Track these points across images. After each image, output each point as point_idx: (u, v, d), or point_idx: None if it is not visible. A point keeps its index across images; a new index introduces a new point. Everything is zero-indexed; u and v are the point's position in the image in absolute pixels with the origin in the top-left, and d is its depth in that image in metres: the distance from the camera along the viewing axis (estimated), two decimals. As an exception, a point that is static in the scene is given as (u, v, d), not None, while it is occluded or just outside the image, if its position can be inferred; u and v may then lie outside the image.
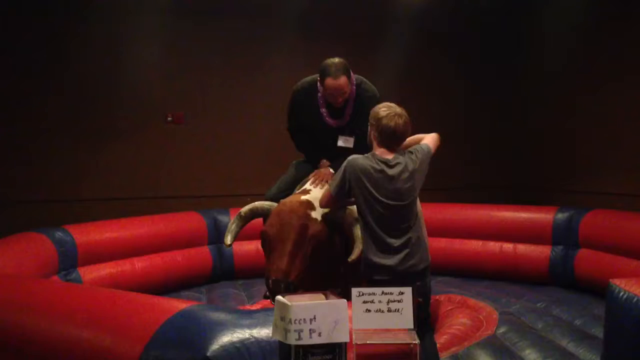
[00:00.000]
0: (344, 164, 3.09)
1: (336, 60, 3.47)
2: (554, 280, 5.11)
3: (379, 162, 3.02)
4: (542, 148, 6.73)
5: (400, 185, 3.00)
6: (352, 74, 3.53)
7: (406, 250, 2.99)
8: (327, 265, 3.19)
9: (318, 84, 3.57)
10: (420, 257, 3.05)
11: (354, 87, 3.54)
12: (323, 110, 3.60)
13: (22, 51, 5.76)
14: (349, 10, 6.55)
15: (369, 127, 3.15)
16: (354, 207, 3.23)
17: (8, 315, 2.69)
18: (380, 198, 2.98)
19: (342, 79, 3.43)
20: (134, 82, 6.09)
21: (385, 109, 3.08)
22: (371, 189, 2.99)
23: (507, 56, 6.94)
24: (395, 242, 2.99)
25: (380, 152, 3.08)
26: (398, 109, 3.09)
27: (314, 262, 3.10)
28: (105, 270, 4.80)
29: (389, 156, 3.05)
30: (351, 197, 3.09)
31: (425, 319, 3.20)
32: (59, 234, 4.57)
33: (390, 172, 3.00)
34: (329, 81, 3.43)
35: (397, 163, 3.03)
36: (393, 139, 3.06)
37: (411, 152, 3.11)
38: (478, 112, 7.08)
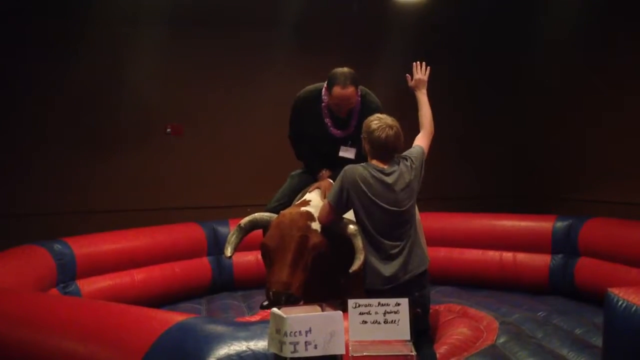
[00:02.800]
0: (341, 173, 3.12)
1: (345, 70, 3.46)
2: (554, 289, 5.09)
3: (376, 171, 3.06)
4: (540, 156, 6.73)
5: (397, 192, 3.04)
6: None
7: (404, 255, 3.03)
8: (327, 277, 3.18)
9: (322, 93, 3.56)
10: (420, 260, 3.10)
11: (359, 99, 3.53)
12: (327, 120, 3.59)
13: (22, 63, 5.77)
14: (348, 21, 6.57)
15: (362, 140, 3.19)
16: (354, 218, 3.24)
17: (6, 328, 2.69)
18: (379, 203, 3.02)
19: (350, 89, 3.43)
20: (132, 94, 6.09)
21: (377, 121, 3.13)
22: (369, 195, 3.02)
23: (506, 66, 6.95)
24: (394, 248, 3.04)
25: (374, 162, 3.11)
26: (389, 121, 3.13)
27: (314, 274, 3.10)
28: (104, 282, 4.78)
29: (384, 165, 3.08)
30: (349, 206, 3.11)
31: (425, 331, 3.20)
32: (57, 246, 4.55)
33: (387, 179, 3.04)
34: (337, 89, 3.42)
35: (393, 171, 3.07)
36: (384, 150, 3.11)
37: (405, 159, 3.15)
38: (476, 122, 7.08)
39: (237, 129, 6.42)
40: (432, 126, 3.42)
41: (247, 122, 6.43)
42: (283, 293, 2.96)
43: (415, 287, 3.04)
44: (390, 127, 3.09)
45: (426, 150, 3.30)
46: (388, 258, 3.03)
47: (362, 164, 3.15)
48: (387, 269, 3.01)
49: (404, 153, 3.22)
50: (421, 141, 3.33)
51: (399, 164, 3.11)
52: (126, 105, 6.10)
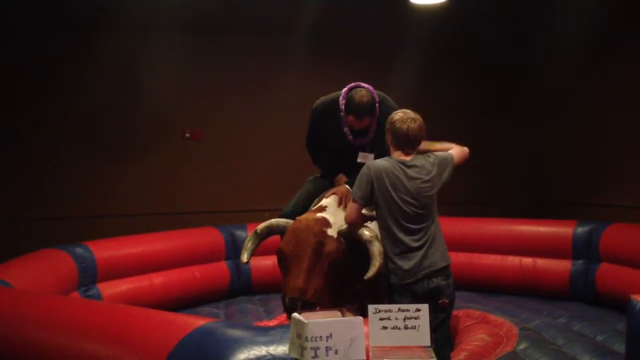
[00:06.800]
0: (363, 169, 3.16)
1: (365, 99, 3.45)
2: (575, 295, 5.04)
3: (397, 163, 3.11)
4: (560, 161, 6.67)
5: (417, 186, 3.07)
6: (375, 93, 3.54)
7: (424, 250, 3.06)
8: (343, 283, 3.18)
9: (340, 102, 3.56)
10: (440, 256, 3.11)
11: (377, 105, 3.54)
12: (346, 129, 3.60)
13: (40, 69, 5.86)
14: (362, 27, 6.58)
15: (386, 134, 3.24)
16: (371, 224, 3.24)
17: (28, 331, 2.72)
18: (401, 196, 3.06)
19: (365, 121, 3.50)
20: (152, 99, 6.16)
21: (400, 114, 3.19)
22: (390, 188, 3.07)
23: (524, 70, 6.91)
24: (413, 243, 3.06)
25: (396, 154, 3.16)
26: (412, 114, 3.19)
27: (330, 280, 3.10)
28: (124, 285, 4.84)
29: (406, 157, 3.14)
30: (373, 200, 3.13)
31: (447, 335, 3.18)
32: (79, 250, 4.62)
33: (408, 172, 3.08)
34: (352, 119, 3.50)
35: (414, 165, 3.11)
36: (406, 141, 3.15)
37: (429, 156, 3.17)
38: (495, 126, 7.04)
39: (255, 133, 6.46)
40: (465, 156, 3.36)
41: (266, 126, 6.46)
42: (299, 299, 2.96)
43: (439, 277, 3.07)
44: (413, 119, 3.15)
45: (456, 162, 3.26)
46: (407, 252, 3.06)
47: (384, 157, 3.19)
48: (406, 263, 3.04)
49: (431, 152, 3.25)
50: (455, 152, 3.30)
51: (421, 159, 3.16)
52: (145, 110, 6.17)
